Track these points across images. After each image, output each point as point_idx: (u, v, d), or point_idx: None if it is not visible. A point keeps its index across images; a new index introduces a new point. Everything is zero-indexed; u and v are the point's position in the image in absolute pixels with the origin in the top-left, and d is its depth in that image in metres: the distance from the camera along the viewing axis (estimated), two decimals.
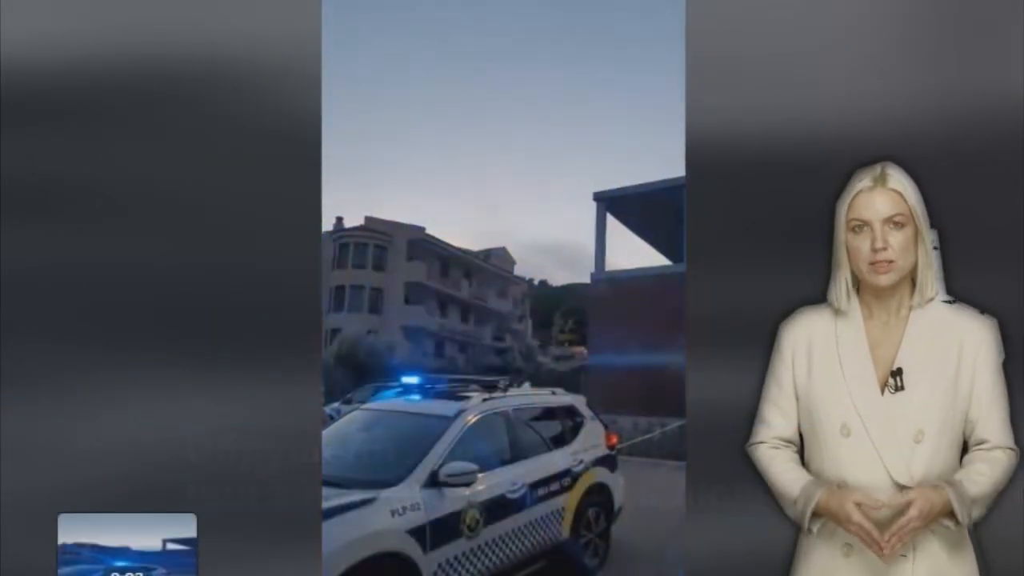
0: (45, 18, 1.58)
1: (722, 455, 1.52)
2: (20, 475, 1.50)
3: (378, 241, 32.89)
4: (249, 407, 1.57)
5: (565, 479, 4.32)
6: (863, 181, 1.41)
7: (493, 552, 3.57)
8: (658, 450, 11.62)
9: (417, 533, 3.08)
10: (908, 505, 1.32)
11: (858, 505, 1.33)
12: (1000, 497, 1.40)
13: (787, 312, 1.51)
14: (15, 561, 1.49)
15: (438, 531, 3.19)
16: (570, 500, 4.33)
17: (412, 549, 3.04)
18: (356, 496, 2.98)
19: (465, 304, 36.59)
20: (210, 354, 1.58)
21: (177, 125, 1.59)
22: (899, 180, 1.41)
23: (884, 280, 1.39)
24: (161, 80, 1.59)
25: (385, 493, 3.09)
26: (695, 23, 1.56)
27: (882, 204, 1.39)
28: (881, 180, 1.40)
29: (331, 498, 2.87)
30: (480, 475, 3.46)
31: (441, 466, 3.37)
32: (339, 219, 33.96)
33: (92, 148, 1.57)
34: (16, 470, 1.50)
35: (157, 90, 1.59)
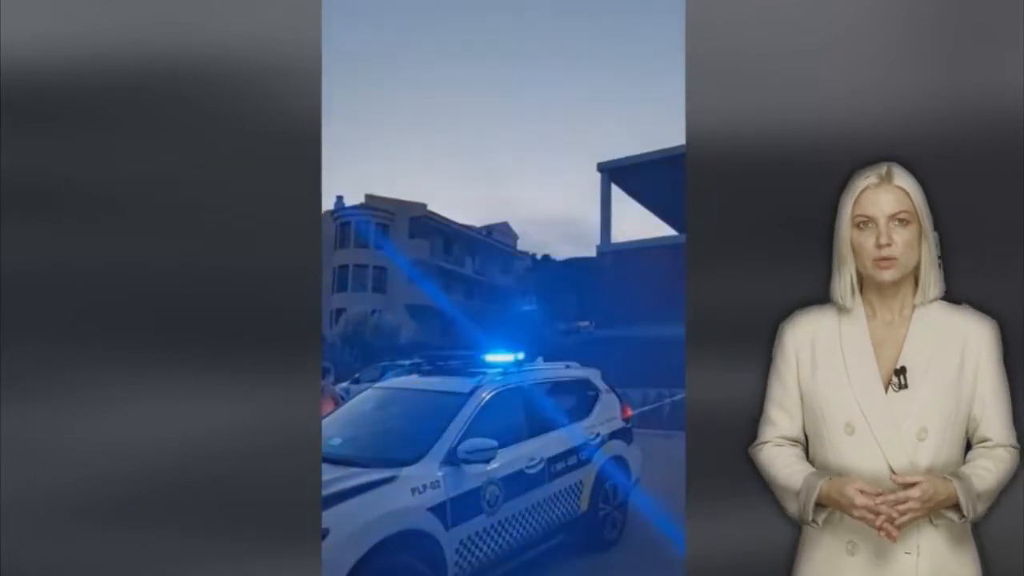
0: (45, 18, 1.58)
1: (722, 455, 1.52)
2: (20, 475, 1.50)
3: (380, 219, 32.77)
4: (249, 407, 1.57)
5: (582, 453, 4.33)
6: (869, 178, 1.43)
7: (513, 527, 3.58)
8: (669, 422, 11.63)
9: (438, 510, 3.08)
10: (912, 487, 1.32)
11: (860, 491, 1.34)
12: (1000, 497, 1.40)
13: (788, 312, 1.51)
14: (15, 561, 1.49)
15: (459, 508, 3.19)
16: (588, 474, 4.34)
17: (434, 527, 3.05)
18: (376, 475, 2.98)
19: (469, 281, 36.53)
20: (209, 354, 1.57)
21: (177, 125, 1.59)
22: (904, 178, 1.42)
23: (888, 276, 1.40)
24: (162, 80, 1.59)
25: (405, 471, 3.09)
26: (695, 22, 1.56)
27: (887, 201, 1.40)
28: (887, 177, 1.42)
29: (351, 477, 2.89)
30: (498, 451, 3.45)
31: (459, 443, 3.36)
32: (340, 198, 33.87)
33: (92, 148, 1.57)
34: (16, 470, 1.50)
35: (157, 90, 1.59)
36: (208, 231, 1.59)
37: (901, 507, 1.31)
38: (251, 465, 1.56)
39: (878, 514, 1.32)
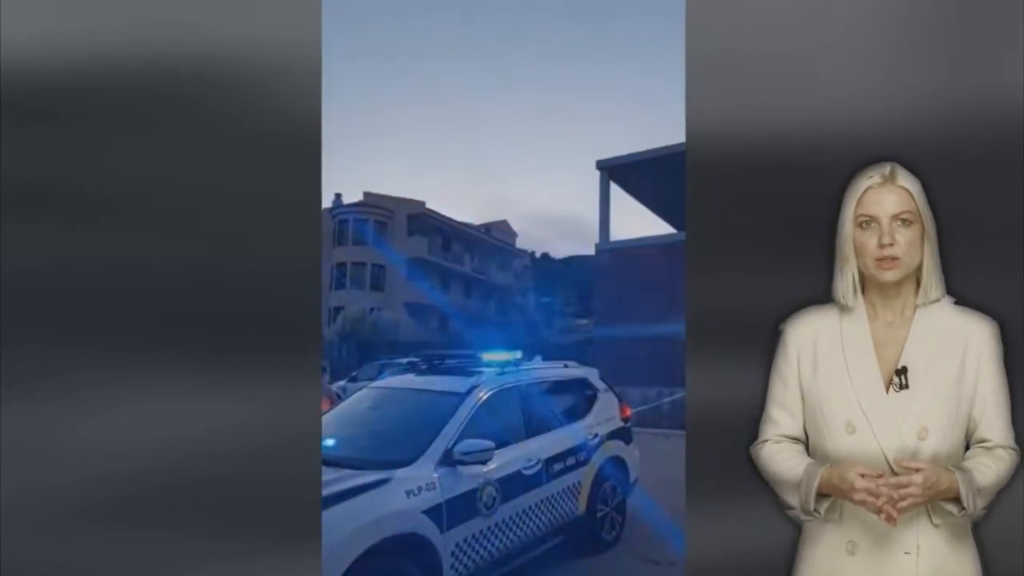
0: (45, 18, 1.58)
1: (722, 455, 1.52)
2: (20, 475, 1.50)
3: (378, 217, 32.68)
4: (249, 407, 1.57)
5: (580, 453, 4.28)
6: (872, 178, 1.43)
7: (510, 530, 3.52)
8: (667, 421, 11.65)
9: (433, 513, 3.02)
10: (915, 472, 1.32)
11: (862, 475, 1.34)
12: (1000, 497, 1.40)
13: (788, 311, 1.51)
14: (15, 561, 1.49)
15: (455, 510, 3.13)
16: (586, 474, 4.29)
17: (429, 530, 2.99)
18: (370, 477, 2.92)
19: (468, 279, 36.48)
20: (210, 354, 1.57)
21: (177, 125, 1.59)
22: (908, 179, 1.43)
23: (890, 276, 1.40)
24: (161, 80, 1.59)
25: (400, 473, 3.03)
26: (695, 22, 1.56)
27: (890, 201, 1.41)
28: (891, 177, 1.42)
29: (345, 479, 2.83)
30: (495, 452, 3.39)
31: (455, 444, 3.30)
32: (338, 195, 33.86)
33: (92, 148, 1.57)
34: (16, 470, 1.50)
35: (157, 90, 1.59)
36: (208, 231, 1.59)
37: (902, 491, 1.31)
38: (251, 465, 1.56)
39: (879, 496, 1.31)
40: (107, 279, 1.56)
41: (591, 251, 17.20)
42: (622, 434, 4.94)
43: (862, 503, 1.33)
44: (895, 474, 1.37)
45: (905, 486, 1.31)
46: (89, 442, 1.52)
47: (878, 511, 1.32)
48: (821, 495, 1.39)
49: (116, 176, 1.57)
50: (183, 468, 1.54)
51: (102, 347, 1.55)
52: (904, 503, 1.31)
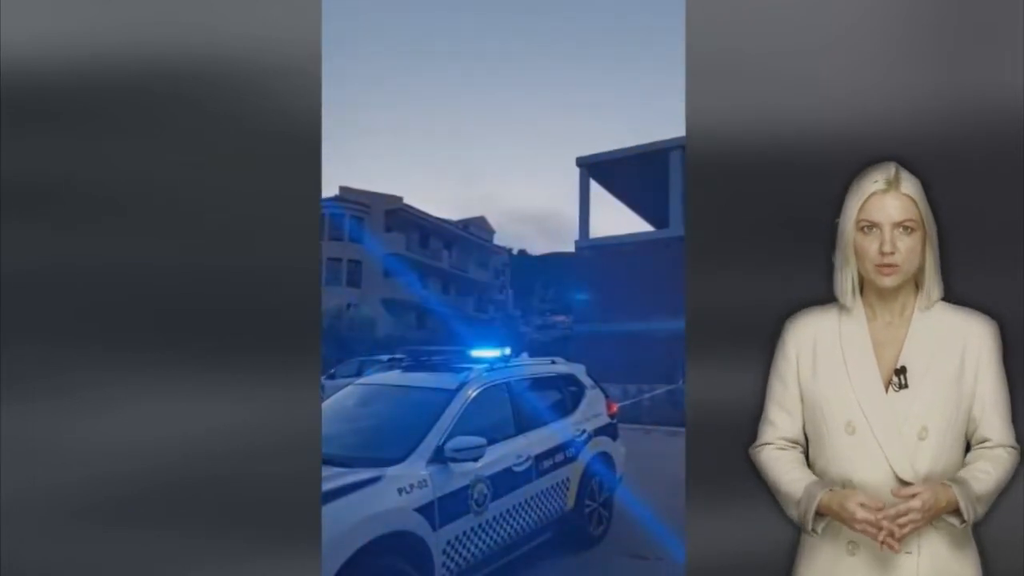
0: (45, 18, 1.58)
1: (722, 455, 1.52)
2: (20, 475, 1.50)
3: (355, 212, 32.13)
4: (249, 407, 1.57)
5: (569, 450, 4.28)
6: (877, 183, 1.41)
7: (501, 527, 3.51)
8: (648, 417, 11.77)
9: (426, 511, 3.00)
10: (912, 498, 1.32)
11: (861, 505, 1.34)
12: (1000, 497, 1.40)
13: (788, 312, 1.51)
14: (15, 561, 1.49)
15: (447, 508, 3.11)
16: (574, 471, 4.30)
17: (422, 528, 2.96)
18: (362, 474, 2.88)
19: (446, 275, 36.26)
20: (209, 354, 1.57)
21: (177, 125, 1.59)
22: (911, 185, 1.41)
23: (888, 282, 1.40)
24: (161, 80, 1.59)
25: (391, 470, 3.00)
26: (695, 22, 1.56)
27: (894, 208, 1.40)
28: (895, 183, 1.41)
29: (335, 478, 2.79)
30: (486, 448, 3.36)
31: (446, 441, 3.27)
32: None
33: (92, 148, 1.57)
34: (16, 470, 1.50)
35: (157, 90, 1.59)
36: (208, 231, 1.59)
37: (902, 520, 1.32)
38: (251, 465, 1.56)
39: (880, 528, 1.32)
40: (107, 279, 1.56)
41: (568, 248, 17.25)
42: (609, 430, 4.95)
43: (863, 532, 1.34)
44: (897, 477, 1.37)
45: (904, 514, 1.32)
46: (89, 442, 1.52)
47: (880, 542, 1.33)
48: (819, 514, 1.39)
49: (116, 176, 1.57)
50: (183, 468, 1.54)
51: (102, 347, 1.55)
52: (904, 530, 1.32)
